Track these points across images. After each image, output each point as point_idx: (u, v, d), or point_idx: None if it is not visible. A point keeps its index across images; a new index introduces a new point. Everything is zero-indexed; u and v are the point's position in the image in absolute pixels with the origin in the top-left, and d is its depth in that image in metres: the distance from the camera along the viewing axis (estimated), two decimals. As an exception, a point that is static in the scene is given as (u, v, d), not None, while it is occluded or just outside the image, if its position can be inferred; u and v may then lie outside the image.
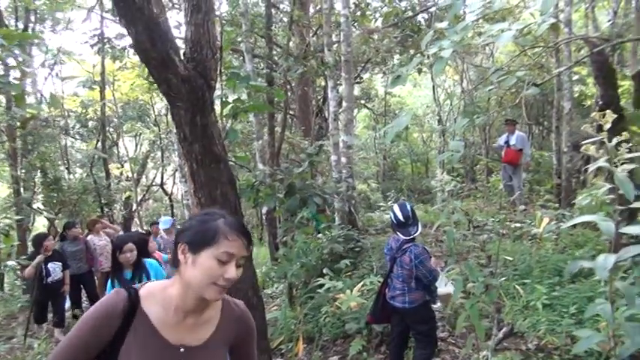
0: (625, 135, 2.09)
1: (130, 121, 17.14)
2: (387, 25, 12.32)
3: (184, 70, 2.47)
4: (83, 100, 16.19)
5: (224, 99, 3.82)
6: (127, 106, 16.73)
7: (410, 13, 12.07)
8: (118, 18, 2.33)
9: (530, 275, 5.66)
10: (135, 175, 16.33)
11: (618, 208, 2.23)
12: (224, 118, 3.94)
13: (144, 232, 6.76)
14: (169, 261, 4.20)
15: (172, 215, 17.67)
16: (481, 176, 14.16)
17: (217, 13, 8.91)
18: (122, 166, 17.84)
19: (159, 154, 18.98)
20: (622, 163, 2.12)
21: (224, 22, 8.51)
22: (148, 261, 4.82)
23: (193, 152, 2.70)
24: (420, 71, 8.73)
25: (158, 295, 1.54)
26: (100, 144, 15.45)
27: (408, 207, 4.20)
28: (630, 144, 2.12)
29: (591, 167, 2.28)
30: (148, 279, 4.74)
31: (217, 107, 3.89)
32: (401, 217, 4.12)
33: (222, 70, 4.62)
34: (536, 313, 4.84)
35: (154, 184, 21.39)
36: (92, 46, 9.67)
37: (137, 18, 2.29)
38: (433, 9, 11.41)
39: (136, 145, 21.02)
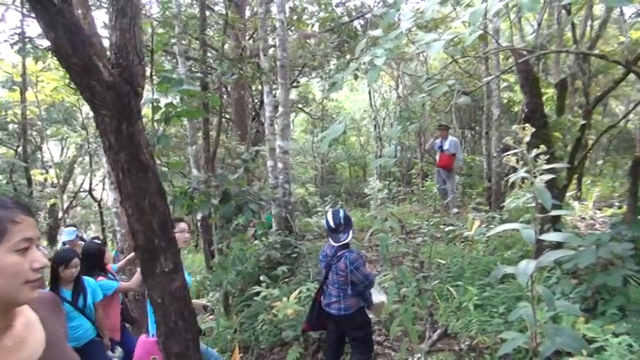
0: (542, 148, 2.19)
1: (54, 124, 16.28)
2: (324, 30, 12.42)
3: (109, 77, 2.34)
4: (2, 101, 15.21)
5: (155, 103, 3.68)
6: (51, 109, 15.85)
7: (346, 19, 12.23)
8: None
9: (462, 277, 5.84)
10: (61, 181, 15.54)
11: (538, 216, 2.33)
12: (155, 123, 3.79)
13: (99, 241, 6.39)
14: None
15: (102, 223, 16.98)
16: (416, 180, 14.52)
17: (149, 14, 8.64)
18: (47, 172, 16.93)
19: (87, 158, 18.15)
20: (541, 174, 2.23)
21: (156, 22, 8.25)
22: (85, 278, 4.56)
23: (119, 161, 2.57)
24: (356, 77, 8.82)
25: None
26: (21, 149, 14.57)
27: (341, 214, 4.22)
28: (548, 156, 2.22)
29: (512, 177, 2.38)
30: (85, 299, 4.48)
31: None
32: (332, 224, 4.15)
33: (154, 74, 4.47)
34: (468, 314, 4.99)
35: (81, 190, 20.47)
36: (12, 45, 9.08)
37: (57, 21, 2.14)
38: (369, 15, 11.61)
39: (62, 150, 20.06)
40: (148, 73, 3.73)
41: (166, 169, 4.26)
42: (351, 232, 4.20)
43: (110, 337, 4.85)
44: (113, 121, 2.45)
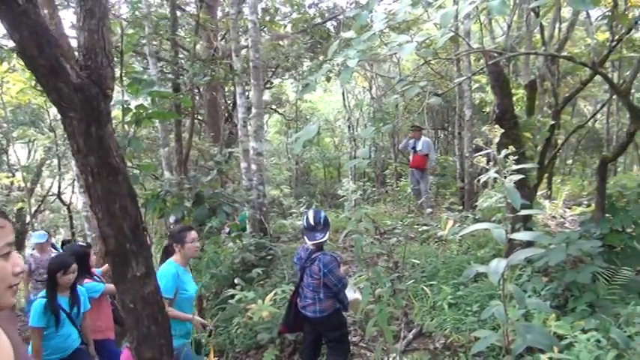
0: (512, 148, 2.23)
1: (21, 126, 15.87)
2: (297, 31, 12.41)
3: (77, 79, 2.29)
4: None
5: (125, 105, 3.62)
6: (17, 111, 15.45)
7: (319, 20, 12.24)
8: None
9: (436, 276, 5.90)
10: (28, 184, 15.14)
11: (509, 216, 2.37)
12: (126, 125, 3.73)
13: (84, 244, 6.23)
14: None
15: (72, 227, 16.63)
16: (391, 180, 14.61)
17: (118, 14, 8.50)
18: (13, 175, 16.49)
19: (55, 161, 17.73)
20: (510, 174, 2.27)
21: (125, 23, 8.12)
22: (78, 287, 4.45)
23: (89, 165, 2.52)
24: (329, 79, 8.83)
25: None
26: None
27: (322, 214, 4.24)
28: (517, 156, 2.26)
29: (483, 178, 2.42)
30: (79, 309, 4.38)
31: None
32: (312, 222, 4.14)
33: (124, 75, 4.40)
34: (442, 313, 5.04)
35: (50, 193, 19.99)
36: (-24, 45, 8.83)
37: (21, 22, 2.09)
38: (341, 17, 11.65)
39: (29, 152, 19.58)
40: (117, 75, 3.67)
41: (138, 171, 4.19)
42: (328, 232, 4.20)
43: (107, 337, 4.84)
44: (82, 124, 2.40)
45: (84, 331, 4.48)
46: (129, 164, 3.73)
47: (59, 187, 19.51)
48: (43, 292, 4.29)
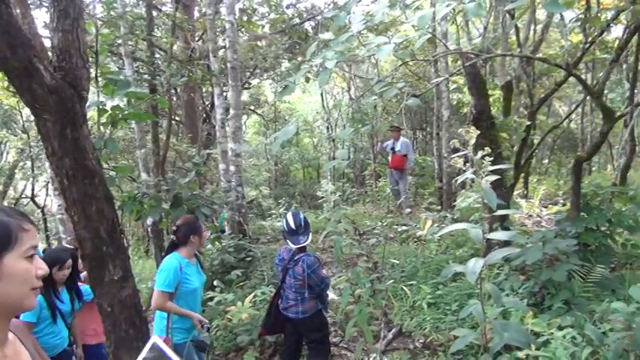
0: (487, 150, 2.26)
1: (-8, 127, 15.55)
2: (275, 31, 12.37)
3: (51, 80, 2.24)
4: None
5: (101, 106, 3.56)
6: (-11, 112, 15.15)
7: (297, 21, 12.22)
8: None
9: (416, 276, 5.94)
10: (0, 187, 14.82)
11: (486, 216, 2.41)
12: (102, 127, 3.67)
13: (72, 247, 6.11)
14: None
15: (46, 230, 16.31)
16: (370, 181, 14.67)
17: (92, 14, 8.37)
18: (-15, 178, 16.12)
19: (28, 163, 17.35)
20: (486, 175, 2.30)
21: (101, 23, 8.00)
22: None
23: (64, 167, 2.48)
24: (307, 80, 8.83)
25: None
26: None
27: (301, 216, 4.22)
28: (493, 157, 2.29)
29: (460, 179, 2.44)
30: (80, 300, 4.33)
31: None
32: (292, 225, 4.13)
33: (99, 76, 4.33)
34: (422, 313, 5.08)
35: (23, 196, 19.57)
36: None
37: (-7, 21, 2.04)
38: (320, 17, 11.65)
39: (1, 154, 19.15)
40: (93, 76, 3.62)
41: (114, 173, 4.13)
42: (310, 233, 4.19)
43: (100, 341, 4.73)
44: (56, 126, 2.36)
45: (73, 330, 4.42)
46: (105, 166, 3.68)
47: (33, 190, 19.09)
48: None
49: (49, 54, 2.44)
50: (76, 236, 2.69)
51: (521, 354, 3.28)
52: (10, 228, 1.21)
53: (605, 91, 9.32)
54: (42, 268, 1.28)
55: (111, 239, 2.68)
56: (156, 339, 1.50)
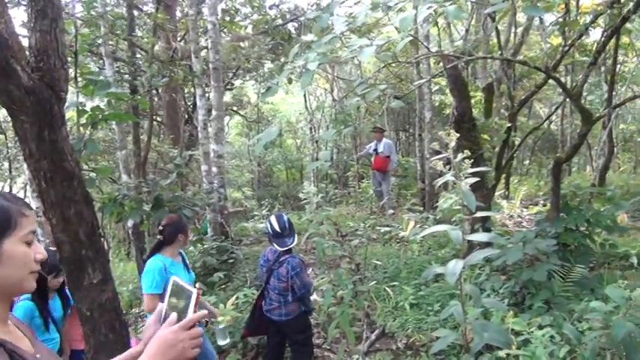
0: (467, 152, 2.28)
1: (-33, 129, 15.19)
2: (257, 32, 12.33)
3: (29, 81, 2.20)
4: None
5: (81, 107, 3.51)
6: (-35, 112, 14.82)
7: (280, 22, 12.19)
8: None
9: (398, 277, 5.97)
10: (-22, 189, 14.55)
11: (465, 218, 2.43)
12: (81, 128, 3.62)
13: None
14: None
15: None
16: (353, 182, 14.69)
17: (72, 13, 8.26)
18: (-40, 179, 15.77)
19: (6, 164, 17.05)
20: (466, 177, 2.32)
21: (80, 22, 7.89)
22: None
23: (42, 170, 2.44)
24: (290, 81, 8.81)
25: None
26: None
27: (285, 218, 4.21)
28: (473, 159, 2.32)
29: (440, 181, 2.46)
30: (69, 306, 4.25)
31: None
32: (277, 228, 4.11)
33: (79, 76, 4.27)
34: (404, 313, 5.11)
35: (2, 198, 19.21)
36: None
37: (-32, 20, 2.00)
38: (302, 18, 11.65)
39: (-23, 156, 18.75)
40: (72, 76, 3.56)
41: (94, 175, 4.08)
42: (295, 235, 4.18)
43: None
44: (34, 128, 2.32)
45: (64, 336, 4.35)
46: (84, 168, 3.63)
47: (10, 192, 18.77)
48: (25, 295, 4.12)
49: (27, 54, 2.40)
50: (55, 239, 2.64)
51: (501, 353, 3.31)
52: (10, 213, 1.24)
53: (584, 94, 9.46)
54: (41, 252, 1.31)
55: (90, 242, 2.65)
56: (175, 278, 1.50)
